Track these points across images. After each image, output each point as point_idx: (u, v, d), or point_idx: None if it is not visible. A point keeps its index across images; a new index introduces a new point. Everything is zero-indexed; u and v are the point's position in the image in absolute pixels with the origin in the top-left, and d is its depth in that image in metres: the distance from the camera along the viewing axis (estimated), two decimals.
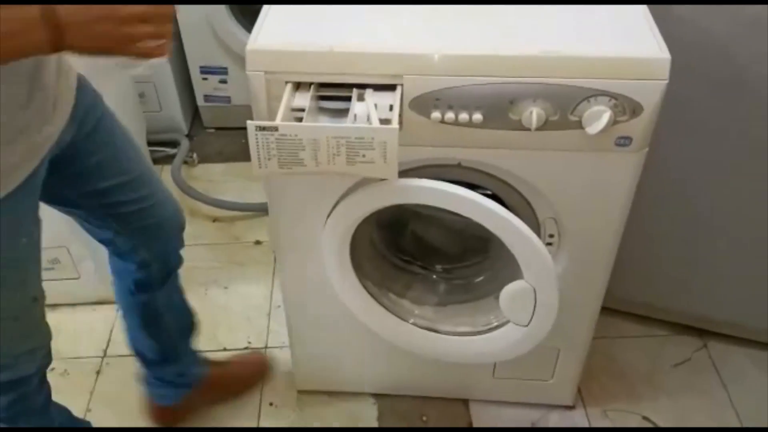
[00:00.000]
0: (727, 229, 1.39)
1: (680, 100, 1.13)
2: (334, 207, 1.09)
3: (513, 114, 0.96)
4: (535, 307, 1.12)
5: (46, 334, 0.99)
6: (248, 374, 1.47)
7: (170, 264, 1.20)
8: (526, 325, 1.14)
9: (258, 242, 1.83)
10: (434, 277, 1.33)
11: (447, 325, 1.26)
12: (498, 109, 0.96)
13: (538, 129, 0.96)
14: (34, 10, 0.65)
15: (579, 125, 0.96)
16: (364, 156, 0.89)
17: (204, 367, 1.40)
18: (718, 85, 1.20)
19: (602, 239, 1.14)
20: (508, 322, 1.18)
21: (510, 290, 1.11)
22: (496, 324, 1.22)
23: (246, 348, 1.58)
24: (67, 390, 1.46)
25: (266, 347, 1.58)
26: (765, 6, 1.09)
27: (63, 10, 0.66)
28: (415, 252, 1.33)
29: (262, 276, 1.73)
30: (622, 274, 1.31)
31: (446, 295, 1.31)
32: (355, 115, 0.92)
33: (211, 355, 1.47)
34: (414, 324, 1.26)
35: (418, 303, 1.28)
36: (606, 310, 1.43)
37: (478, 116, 0.97)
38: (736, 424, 1.43)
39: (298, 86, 0.97)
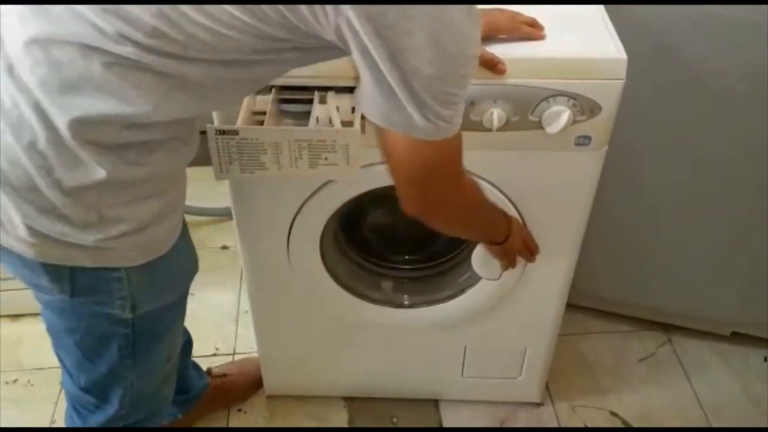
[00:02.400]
0: (687, 225, 1.43)
1: (638, 99, 1.16)
2: (301, 208, 1.10)
3: (474, 115, 0.97)
4: None
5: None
6: (246, 383, 1.46)
7: None
8: (498, 278, 1.18)
9: (224, 247, 1.82)
10: (404, 278, 1.34)
11: (419, 297, 1.30)
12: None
13: (499, 130, 0.97)
14: (506, 221, 1.04)
15: (539, 125, 0.98)
16: (326, 158, 0.90)
17: (204, 380, 1.39)
18: (673, 83, 1.23)
19: (566, 237, 1.16)
20: (478, 281, 1.21)
21: (482, 247, 1.14)
22: (466, 285, 1.25)
23: (214, 354, 1.57)
24: (31, 401, 1.44)
25: (234, 353, 1.57)
26: (717, 6, 1.12)
27: (514, 227, 1.05)
28: (382, 249, 1.35)
29: (229, 281, 1.72)
30: (586, 270, 1.34)
31: (415, 290, 1.33)
32: (317, 118, 0.92)
33: (207, 365, 1.46)
34: (386, 303, 1.28)
35: (391, 302, 1.30)
36: (571, 306, 1.46)
37: None
38: (700, 416, 1.47)
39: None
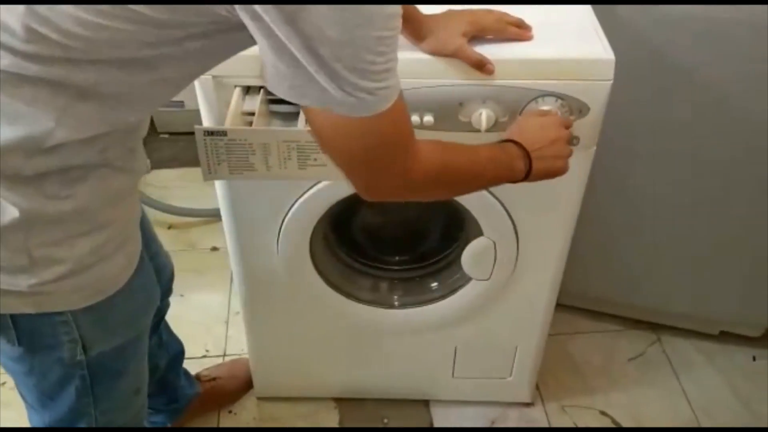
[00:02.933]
0: (676, 224, 1.43)
1: (626, 99, 1.17)
2: (290, 209, 1.10)
3: (463, 116, 0.98)
4: (495, 260, 1.16)
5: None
6: (236, 385, 1.46)
7: (161, 311, 1.20)
8: (488, 279, 1.17)
9: (215, 248, 1.82)
10: (394, 279, 1.35)
11: (409, 297, 1.29)
12: (448, 111, 0.97)
13: (488, 130, 0.97)
14: (515, 147, 0.86)
15: None
16: (315, 159, 0.90)
17: (195, 388, 1.38)
18: (661, 84, 1.24)
19: (555, 236, 1.16)
20: (468, 282, 1.21)
21: (472, 248, 1.13)
22: (457, 286, 1.24)
23: (204, 356, 1.56)
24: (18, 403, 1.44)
25: (224, 355, 1.57)
26: (702, 6, 1.13)
27: (524, 141, 0.87)
28: (372, 249, 1.35)
29: (219, 282, 1.71)
30: (575, 270, 1.35)
31: (405, 291, 1.33)
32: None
33: (197, 368, 1.45)
34: (376, 304, 1.28)
35: (381, 303, 1.30)
36: (561, 306, 1.47)
37: (429, 118, 0.98)
38: (689, 414, 1.47)
39: (248, 90, 0.96)
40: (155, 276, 0.92)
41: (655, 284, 1.54)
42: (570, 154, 0.93)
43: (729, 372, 1.55)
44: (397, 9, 0.60)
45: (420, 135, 0.99)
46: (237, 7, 0.58)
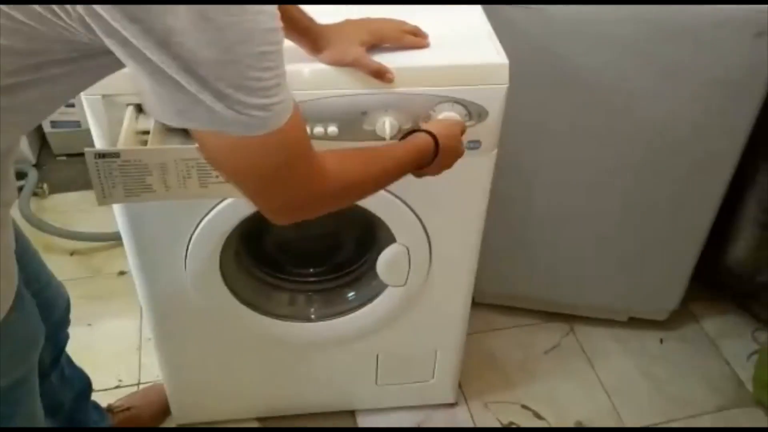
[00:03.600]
0: (579, 219, 1.49)
1: (527, 101, 1.21)
2: (196, 228, 1.07)
3: (367, 125, 0.98)
4: (409, 266, 1.17)
5: None
6: (152, 413, 1.41)
7: (60, 344, 1.15)
8: (404, 284, 1.18)
9: (122, 273, 1.76)
10: (310, 291, 1.33)
11: (326, 309, 1.29)
12: (352, 120, 0.98)
13: (392, 138, 0.98)
14: (427, 137, 0.88)
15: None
16: (217, 177, 0.87)
17: (106, 421, 1.32)
18: (554, 84, 1.28)
19: (465, 238, 1.19)
20: (384, 289, 1.21)
21: (386, 255, 1.14)
22: (373, 294, 1.25)
23: (117, 387, 1.50)
24: None
25: (139, 383, 1.51)
26: (588, 6, 1.18)
27: (436, 131, 0.89)
28: (287, 263, 1.33)
29: (128, 308, 1.65)
30: (489, 269, 1.38)
31: (322, 303, 1.32)
32: None
33: (110, 400, 1.40)
34: (293, 318, 1.27)
35: (299, 316, 1.28)
36: (477, 305, 1.50)
37: (333, 129, 0.98)
38: (605, 400, 1.53)
39: (140, 108, 0.93)
40: (46, 310, 0.87)
41: (566, 278, 1.59)
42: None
43: (640, 356, 1.62)
44: (277, 23, 0.58)
45: (324, 146, 0.99)
46: (103, 38, 0.56)
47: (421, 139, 0.89)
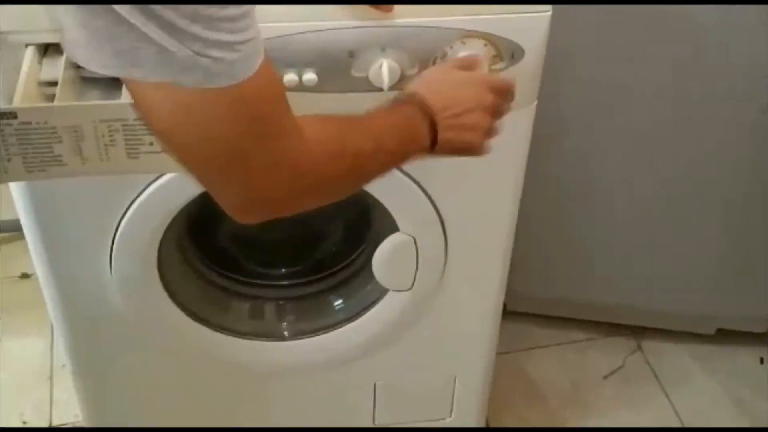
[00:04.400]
0: (652, 203, 1.49)
1: (583, 39, 1.20)
2: (124, 215, 1.07)
3: (357, 70, 0.97)
4: (417, 263, 1.16)
5: None
6: None
7: None
8: (410, 288, 1.18)
9: (25, 275, 1.77)
10: (283, 300, 1.34)
11: (305, 323, 1.29)
12: (336, 64, 0.97)
13: (392, 88, 0.96)
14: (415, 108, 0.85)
15: None
16: (152, 144, 0.87)
17: None
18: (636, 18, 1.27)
19: (494, 226, 1.19)
20: (383, 295, 1.21)
21: (385, 248, 1.14)
22: (368, 302, 1.25)
23: (22, 428, 1.52)
24: None
25: (51, 426, 1.53)
26: None
27: (432, 99, 0.86)
28: (249, 261, 1.34)
29: (35, 324, 1.66)
30: (526, 267, 1.38)
31: (299, 315, 1.32)
32: None
33: None
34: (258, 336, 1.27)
35: (266, 333, 1.29)
36: (510, 314, 1.50)
37: (310, 76, 0.97)
38: None
39: (46, 49, 0.93)
40: None
41: (632, 277, 1.59)
42: (491, 131, 0.93)
43: (731, 380, 1.63)
44: None
45: (299, 101, 0.98)
46: None
47: (415, 123, 0.86)
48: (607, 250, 1.56)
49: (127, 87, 0.63)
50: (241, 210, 0.73)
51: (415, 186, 1.10)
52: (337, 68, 0.97)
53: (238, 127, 0.64)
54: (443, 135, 0.87)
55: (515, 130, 1.07)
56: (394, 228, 1.14)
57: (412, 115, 0.86)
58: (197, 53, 0.59)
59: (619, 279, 1.60)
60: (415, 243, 1.15)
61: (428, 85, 0.91)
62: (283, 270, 1.34)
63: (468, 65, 0.96)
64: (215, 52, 0.59)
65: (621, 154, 1.44)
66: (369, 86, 0.98)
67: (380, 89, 0.98)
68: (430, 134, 0.86)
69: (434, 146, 0.87)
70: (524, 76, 1.01)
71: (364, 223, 1.23)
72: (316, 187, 0.75)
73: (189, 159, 0.67)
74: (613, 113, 1.39)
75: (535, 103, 1.06)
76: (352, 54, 0.96)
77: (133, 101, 0.65)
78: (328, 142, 0.74)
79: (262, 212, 0.74)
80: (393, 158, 0.87)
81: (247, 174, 0.68)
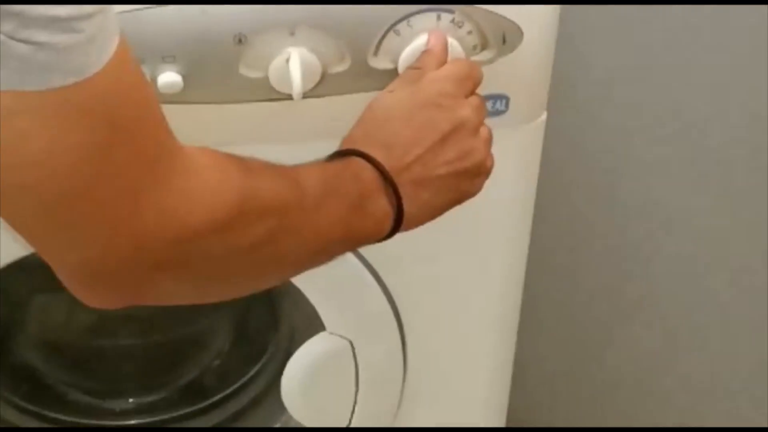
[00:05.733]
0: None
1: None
2: None
3: (248, 68, 0.99)
4: (357, 383, 1.19)
5: None
6: None
7: None
8: (347, 425, 1.22)
9: None
10: None
11: None
12: (214, 57, 0.99)
13: (308, 95, 0.99)
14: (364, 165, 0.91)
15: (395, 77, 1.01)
16: None
17: None
18: None
19: (481, 319, 1.24)
20: None
21: (302, 362, 1.18)
22: None
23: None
24: None
25: None
26: None
27: (374, 147, 0.92)
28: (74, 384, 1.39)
29: None
30: (528, 381, 1.38)
31: None
32: None
33: None
34: None
35: None
36: None
37: (170, 77, 0.98)
38: None
39: None
40: None
41: (689, 399, 1.68)
42: (486, 160, 0.98)
43: None
44: None
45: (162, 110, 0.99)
46: None
47: (367, 190, 0.91)
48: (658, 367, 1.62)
49: None
50: (81, 286, 0.74)
51: (352, 257, 1.12)
52: (216, 63, 0.99)
53: (84, 140, 0.67)
54: (410, 198, 0.92)
55: (512, 153, 1.10)
56: (317, 326, 1.16)
57: (354, 176, 0.90)
58: (25, 42, 0.61)
59: (671, 397, 1.70)
60: (353, 351, 1.16)
61: (370, 123, 0.96)
62: (131, 400, 1.38)
63: (425, 63, 1.00)
64: (39, 35, 0.61)
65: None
66: (269, 92, 1.00)
67: (288, 97, 0.99)
68: (391, 206, 0.91)
69: (399, 221, 0.92)
70: (523, 69, 1.05)
71: (268, 319, 1.23)
72: (220, 261, 0.78)
73: (11, 198, 0.68)
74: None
75: (545, 114, 1.10)
76: (240, 39, 0.97)
77: None
78: (243, 189, 0.77)
79: (112, 293, 0.76)
80: (339, 230, 0.89)
81: (96, 225, 0.70)
